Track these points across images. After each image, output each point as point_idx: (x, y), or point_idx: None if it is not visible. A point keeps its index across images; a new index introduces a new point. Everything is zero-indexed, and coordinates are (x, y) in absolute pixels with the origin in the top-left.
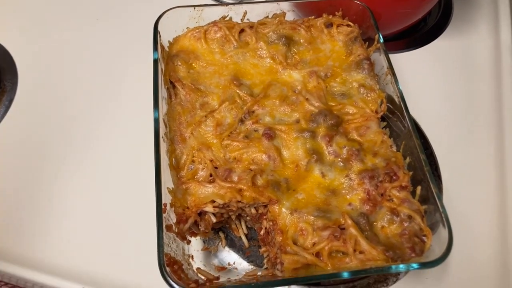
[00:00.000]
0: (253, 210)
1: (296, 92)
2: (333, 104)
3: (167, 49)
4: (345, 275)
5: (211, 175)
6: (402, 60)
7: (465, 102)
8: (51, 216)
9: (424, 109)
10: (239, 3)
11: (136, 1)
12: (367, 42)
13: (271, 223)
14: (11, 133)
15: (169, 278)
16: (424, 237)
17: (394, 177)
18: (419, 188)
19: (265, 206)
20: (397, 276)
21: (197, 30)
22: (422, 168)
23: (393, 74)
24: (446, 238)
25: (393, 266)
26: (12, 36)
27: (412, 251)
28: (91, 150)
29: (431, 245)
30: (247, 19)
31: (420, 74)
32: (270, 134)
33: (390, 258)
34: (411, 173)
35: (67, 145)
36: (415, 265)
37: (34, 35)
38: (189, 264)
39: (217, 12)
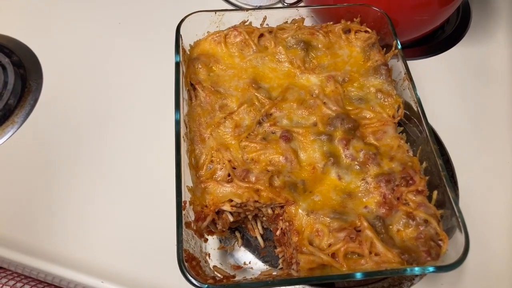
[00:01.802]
0: (269, 211)
1: (314, 96)
2: (351, 108)
3: (188, 52)
4: (360, 276)
5: (229, 175)
6: (420, 67)
7: (481, 110)
8: (73, 213)
9: (440, 116)
10: (259, 8)
11: (157, 5)
12: (384, 48)
13: (287, 223)
14: (36, 132)
15: (187, 273)
16: (440, 242)
17: (411, 182)
18: (435, 192)
19: (282, 206)
20: (412, 280)
21: (217, 34)
22: (439, 173)
23: (411, 80)
24: (463, 243)
25: (408, 269)
26: (37, 38)
27: (428, 255)
28: (114, 148)
29: (447, 249)
30: (267, 24)
31: (437, 81)
32: (288, 136)
33: (406, 261)
34: (427, 177)
35: (90, 144)
36: (430, 269)
37: (58, 37)
38: (206, 261)
39: (237, 17)
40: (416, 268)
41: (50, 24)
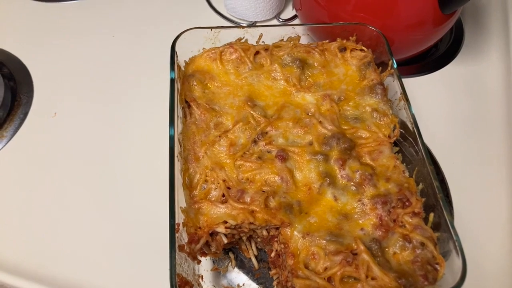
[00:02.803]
0: (264, 232)
1: (309, 114)
2: (346, 127)
3: (183, 69)
4: None
5: (223, 195)
6: (414, 85)
7: (475, 128)
8: (62, 232)
9: (435, 134)
10: (255, 26)
11: (152, 20)
12: (380, 67)
13: (282, 245)
14: (25, 146)
15: None
16: (437, 265)
17: (407, 203)
18: (431, 215)
19: (277, 228)
20: None
21: (213, 51)
22: (435, 194)
23: (407, 100)
24: (460, 268)
25: None
26: (28, 50)
27: (425, 279)
28: (104, 166)
29: (444, 273)
30: (263, 42)
31: (431, 99)
32: (283, 155)
33: (403, 285)
34: (423, 199)
35: (81, 160)
36: None
37: (50, 50)
38: (199, 284)
39: (233, 34)
40: None
41: (42, 36)
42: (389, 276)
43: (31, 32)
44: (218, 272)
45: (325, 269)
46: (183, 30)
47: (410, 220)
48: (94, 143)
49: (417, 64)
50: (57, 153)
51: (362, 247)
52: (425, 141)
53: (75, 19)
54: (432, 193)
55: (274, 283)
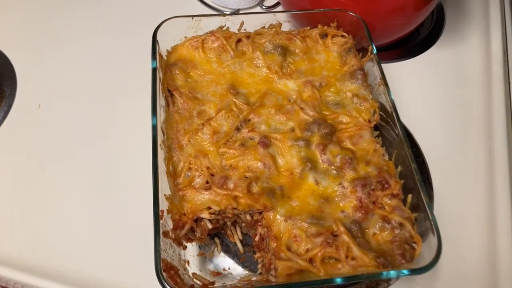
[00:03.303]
0: (248, 217)
1: (291, 101)
2: (327, 113)
3: (165, 58)
4: (337, 281)
5: (207, 182)
6: (396, 70)
7: (456, 111)
8: (48, 221)
9: (416, 118)
10: (236, 13)
11: (134, 10)
12: (361, 53)
13: (265, 229)
14: (10, 138)
15: (165, 283)
16: (414, 244)
17: (386, 185)
18: (410, 196)
19: (260, 213)
20: (388, 282)
21: (195, 40)
22: (413, 177)
23: (386, 85)
24: (436, 246)
25: (384, 273)
26: (11, 42)
27: (403, 258)
28: (89, 156)
29: (421, 252)
30: (244, 29)
31: (413, 83)
32: (266, 142)
33: (381, 264)
34: (402, 181)
35: (65, 151)
36: (405, 272)
37: (33, 41)
38: (185, 269)
39: (214, 22)
40: (392, 272)
41: (24, 28)
42: (368, 256)
43: (12, 24)
44: (205, 257)
45: (307, 250)
46: (164, 19)
47: (389, 201)
48: (79, 134)
49: (399, 49)
50: (43, 144)
51: (342, 228)
52: (407, 124)
53: (57, 11)
54: (410, 176)
55: (259, 266)
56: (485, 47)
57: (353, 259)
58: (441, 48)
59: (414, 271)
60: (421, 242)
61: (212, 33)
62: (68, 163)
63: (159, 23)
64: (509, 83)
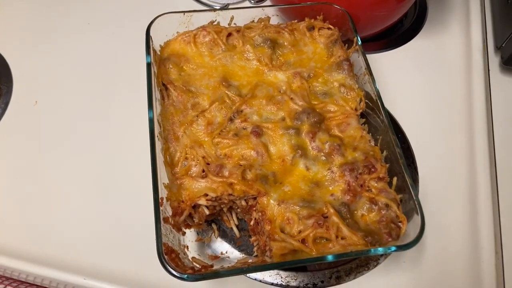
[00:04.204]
0: (243, 202)
1: (281, 92)
2: (316, 102)
3: (159, 53)
4: (329, 258)
5: (203, 171)
6: (381, 60)
7: (439, 98)
8: (50, 211)
9: (401, 105)
10: (226, 8)
11: (127, 6)
12: (347, 44)
13: (260, 214)
14: (7, 135)
15: (167, 265)
16: (400, 223)
17: (373, 169)
18: (395, 178)
19: (254, 198)
20: (377, 260)
21: (187, 35)
22: (397, 160)
23: (370, 74)
24: (419, 223)
25: (372, 250)
26: (6, 40)
27: (389, 236)
28: (87, 151)
29: (406, 230)
30: (234, 24)
31: (398, 73)
32: (258, 131)
33: (369, 243)
34: (388, 165)
35: (63, 147)
36: (392, 248)
37: (27, 39)
38: (184, 253)
39: (205, 17)
40: (379, 249)
41: (18, 26)
42: (357, 235)
43: (7, 23)
44: (203, 242)
45: (299, 232)
46: (157, 16)
47: (376, 184)
48: (76, 129)
49: (384, 40)
50: (40, 140)
51: (331, 210)
52: (392, 112)
53: (50, 8)
54: (395, 160)
55: (255, 249)
56: (466, 36)
57: (343, 238)
58: (424, 38)
59: (400, 247)
60: (406, 221)
61: (203, 28)
62: (67, 157)
63: (151, 19)
64: (488, 70)
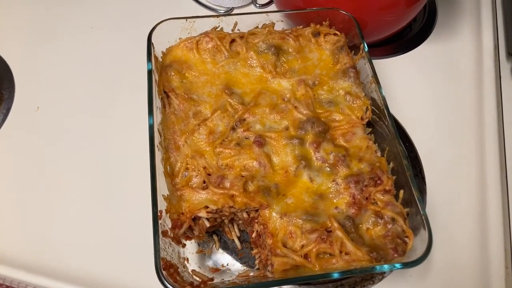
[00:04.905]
0: (245, 215)
1: (285, 100)
2: (321, 111)
3: (161, 60)
4: (332, 275)
5: (204, 182)
6: (389, 65)
7: (448, 105)
8: (50, 221)
9: (409, 113)
10: (230, 14)
11: (130, 11)
12: (353, 51)
13: (262, 226)
14: (9, 141)
15: (165, 281)
16: (406, 238)
17: (379, 182)
18: (402, 191)
19: (256, 210)
20: (382, 274)
21: (189, 41)
22: (404, 172)
23: (377, 82)
24: (427, 239)
25: (377, 267)
26: (8, 45)
27: (395, 252)
28: (87, 158)
29: (413, 245)
30: (238, 30)
31: (406, 79)
32: (261, 141)
33: (374, 258)
34: (394, 177)
35: (64, 153)
36: (397, 265)
37: (30, 44)
38: (184, 266)
39: (208, 23)
40: (384, 266)
41: (21, 31)
42: (361, 250)
43: (10, 27)
44: (203, 254)
45: (302, 246)
46: (159, 22)
47: (382, 197)
48: (77, 135)
49: (392, 45)
50: (42, 146)
51: (335, 224)
52: (400, 119)
53: (53, 12)
54: (402, 172)
55: (256, 261)
56: (477, 41)
57: (347, 254)
58: (433, 43)
59: (406, 265)
60: (412, 236)
61: (206, 34)
62: (67, 164)
63: (154, 23)
64: (500, 77)
